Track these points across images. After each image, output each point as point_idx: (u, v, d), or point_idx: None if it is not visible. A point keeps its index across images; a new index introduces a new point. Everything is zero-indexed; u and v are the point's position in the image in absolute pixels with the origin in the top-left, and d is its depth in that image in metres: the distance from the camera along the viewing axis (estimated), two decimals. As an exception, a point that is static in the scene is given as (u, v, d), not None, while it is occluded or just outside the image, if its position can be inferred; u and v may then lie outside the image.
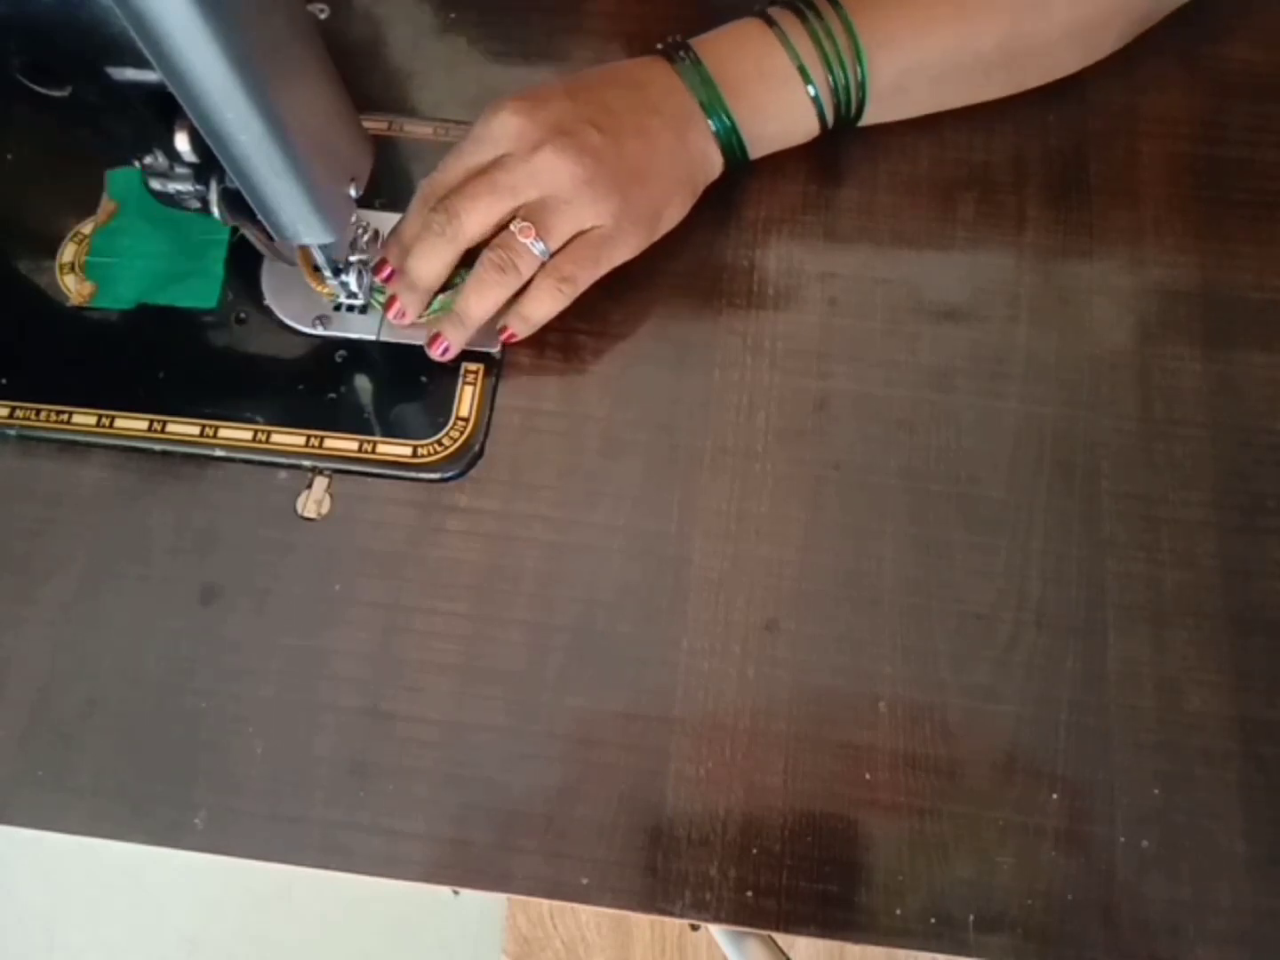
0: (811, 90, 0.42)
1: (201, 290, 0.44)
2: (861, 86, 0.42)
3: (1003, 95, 0.46)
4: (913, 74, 0.43)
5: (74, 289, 0.44)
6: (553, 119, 0.38)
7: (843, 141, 0.47)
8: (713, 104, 0.41)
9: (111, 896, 1.10)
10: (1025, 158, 0.46)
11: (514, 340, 0.42)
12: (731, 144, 0.42)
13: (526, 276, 0.40)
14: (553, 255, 0.40)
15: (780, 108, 0.42)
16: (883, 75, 0.42)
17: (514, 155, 0.38)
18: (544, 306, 0.41)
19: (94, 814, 0.37)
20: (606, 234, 0.40)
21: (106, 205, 0.46)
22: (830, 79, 0.41)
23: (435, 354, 0.41)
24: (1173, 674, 0.38)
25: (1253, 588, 0.39)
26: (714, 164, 0.43)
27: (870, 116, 0.44)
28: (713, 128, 0.42)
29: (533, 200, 0.39)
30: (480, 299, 0.40)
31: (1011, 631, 0.39)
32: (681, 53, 0.42)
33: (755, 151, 0.44)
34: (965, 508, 0.40)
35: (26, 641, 0.40)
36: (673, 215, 0.43)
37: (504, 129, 0.38)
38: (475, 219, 0.39)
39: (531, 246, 0.39)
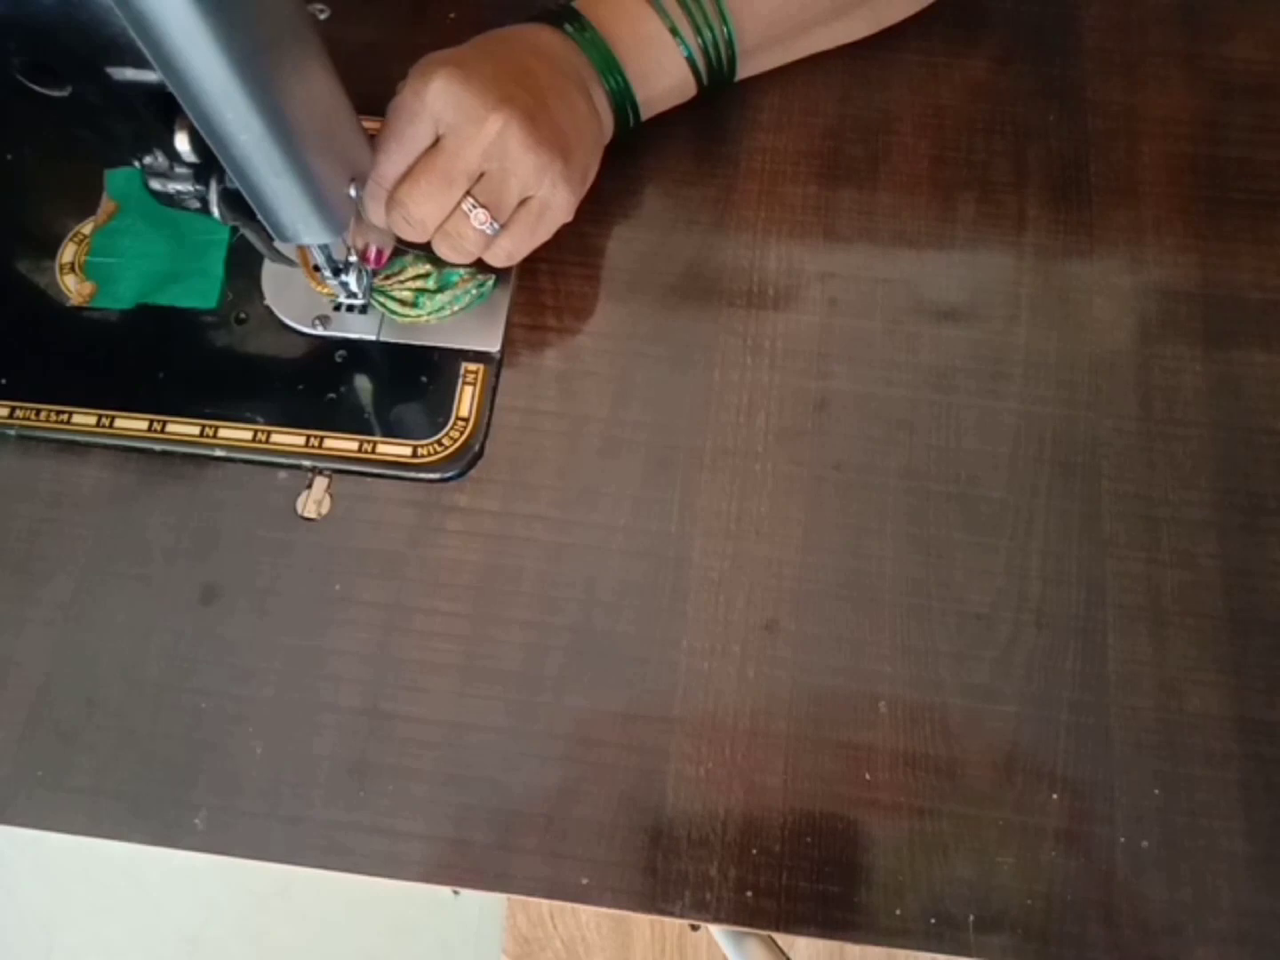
0: (685, 51, 0.43)
1: (201, 290, 0.44)
2: (730, 44, 0.43)
3: (870, 33, 0.48)
4: (777, 26, 0.45)
5: (74, 289, 0.44)
6: (487, 86, 0.36)
7: (842, 141, 0.47)
8: (607, 65, 0.41)
9: (111, 896, 1.10)
10: (1025, 158, 0.46)
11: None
12: (625, 105, 0.43)
13: (479, 254, 0.40)
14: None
15: (661, 68, 0.43)
16: (748, 32, 0.43)
17: (459, 134, 0.36)
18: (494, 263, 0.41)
19: (94, 814, 0.37)
20: (544, 201, 0.39)
21: (106, 205, 0.46)
22: (700, 39, 0.42)
23: (370, 261, 0.41)
24: (1173, 674, 0.38)
25: (1253, 588, 0.39)
26: (609, 127, 0.44)
27: (744, 71, 0.46)
28: (608, 89, 0.42)
29: (481, 177, 0.38)
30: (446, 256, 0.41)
31: (1011, 631, 0.39)
32: (569, 20, 0.41)
33: (644, 113, 0.44)
34: (965, 508, 0.40)
35: (26, 641, 0.40)
36: (592, 176, 0.43)
37: (443, 103, 0.36)
38: (434, 212, 0.38)
39: (486, 229, 0.38)
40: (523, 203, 0.39)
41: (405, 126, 0.36)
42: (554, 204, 0.39)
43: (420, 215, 0.37)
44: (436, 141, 0.37)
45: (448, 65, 0.36)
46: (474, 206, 0.38)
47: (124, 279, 0.45)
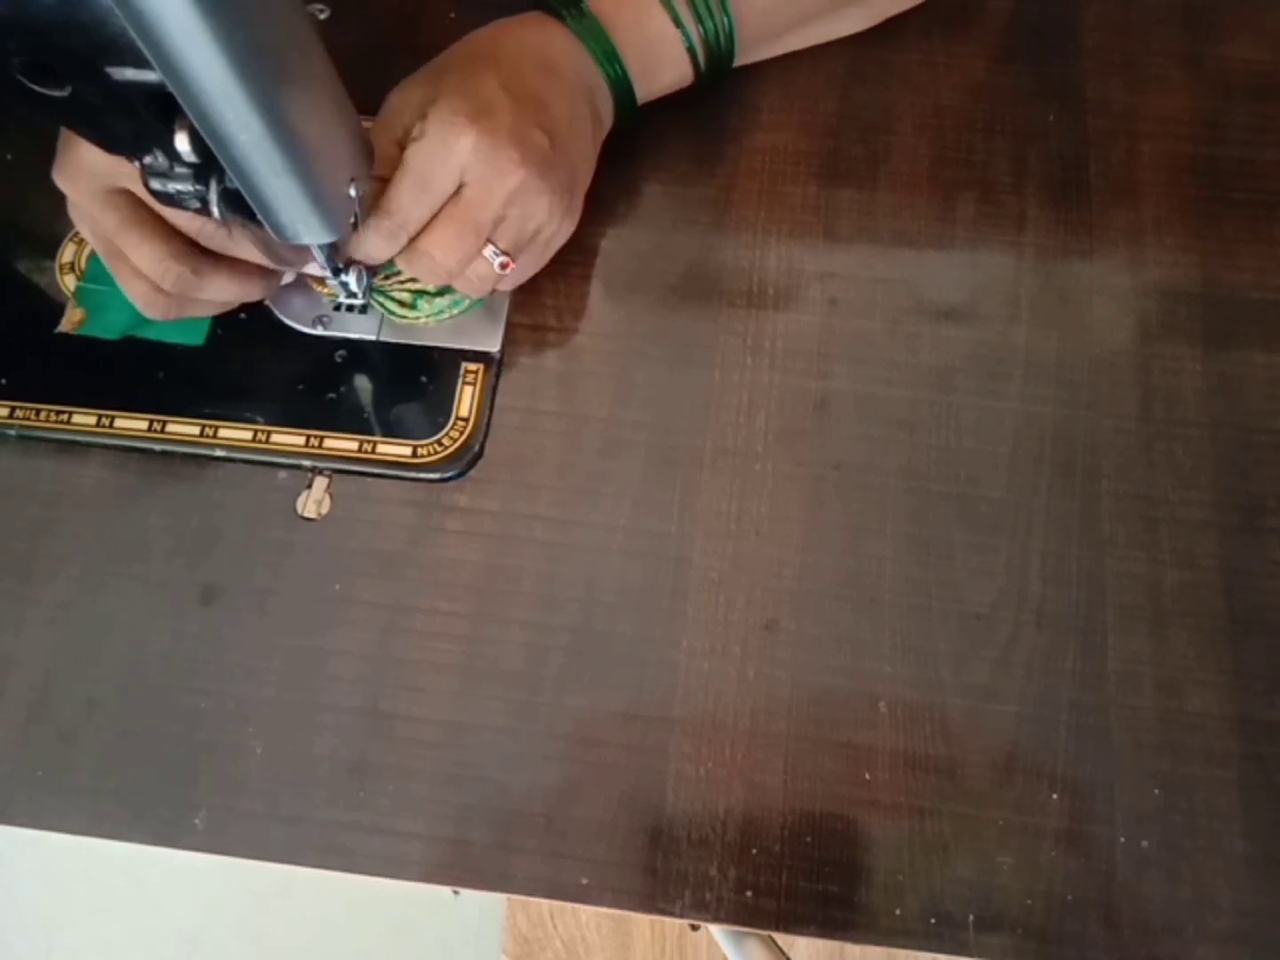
0: (687, 41, 0.43)
1: (190, 327, 0.44)
2: (730, 36, 0.44)
3: (867, 28, 0.49)
4: (775, 18, 0.45)
5: (65, 314, 0.44)
6: (511, 140, 0.37)
7: (842, 141, 0.47)
8: (606, 55, 0.42)
9: (111, 896, 1.10)
10: (1025, 158, 0.46)
11: None
12: (624, 97, 0.43)
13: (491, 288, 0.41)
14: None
15: (663, 63, 0.44)
16: (746, 24, 0.44)
17: (484, 186, 0.37)
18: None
19: (94, 814, 0.37)
20: (554, 232, 0.41)
21: None
22: (702, 29, 0.43)
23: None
24: (1173, 674, 0.38)
25: (1253, 588, 0.39)
26: (609, 123, 0.44)
27: (740, 61, 0.46)
28: (608, 77, 0.42)
29: (504, 220, 0.39)
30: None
31: (1011, 631, 0.39)
32: (569, 9, 0.42)
33: (641, 100, 0.45)
34: (965, 508, 0.40)
35: (26, 641, 0.40)
36: (589, 180, 0.44)
37: (471, 159, 0.37)
38: (461, 260, 0.38)
39: (506, 275, 0.40)
40: (531, 239, 0.40)
41: (433, 176, 0.37)
42: (561, 233, 0.41)
43: (448, 264, 0.38)
44: (458, 189, 0.38)
45: (478, 123, 0.37)
46: (497, 254, 0.39)
47: (114, 308, 0.44)
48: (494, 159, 0.37)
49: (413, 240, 0.38)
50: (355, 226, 0.37)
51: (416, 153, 0.37)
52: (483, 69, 0.39)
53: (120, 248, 0.38)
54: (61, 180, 0.38)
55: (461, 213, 0.37)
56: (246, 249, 0.39)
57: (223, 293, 0.40)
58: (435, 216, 0.38)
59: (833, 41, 0.48)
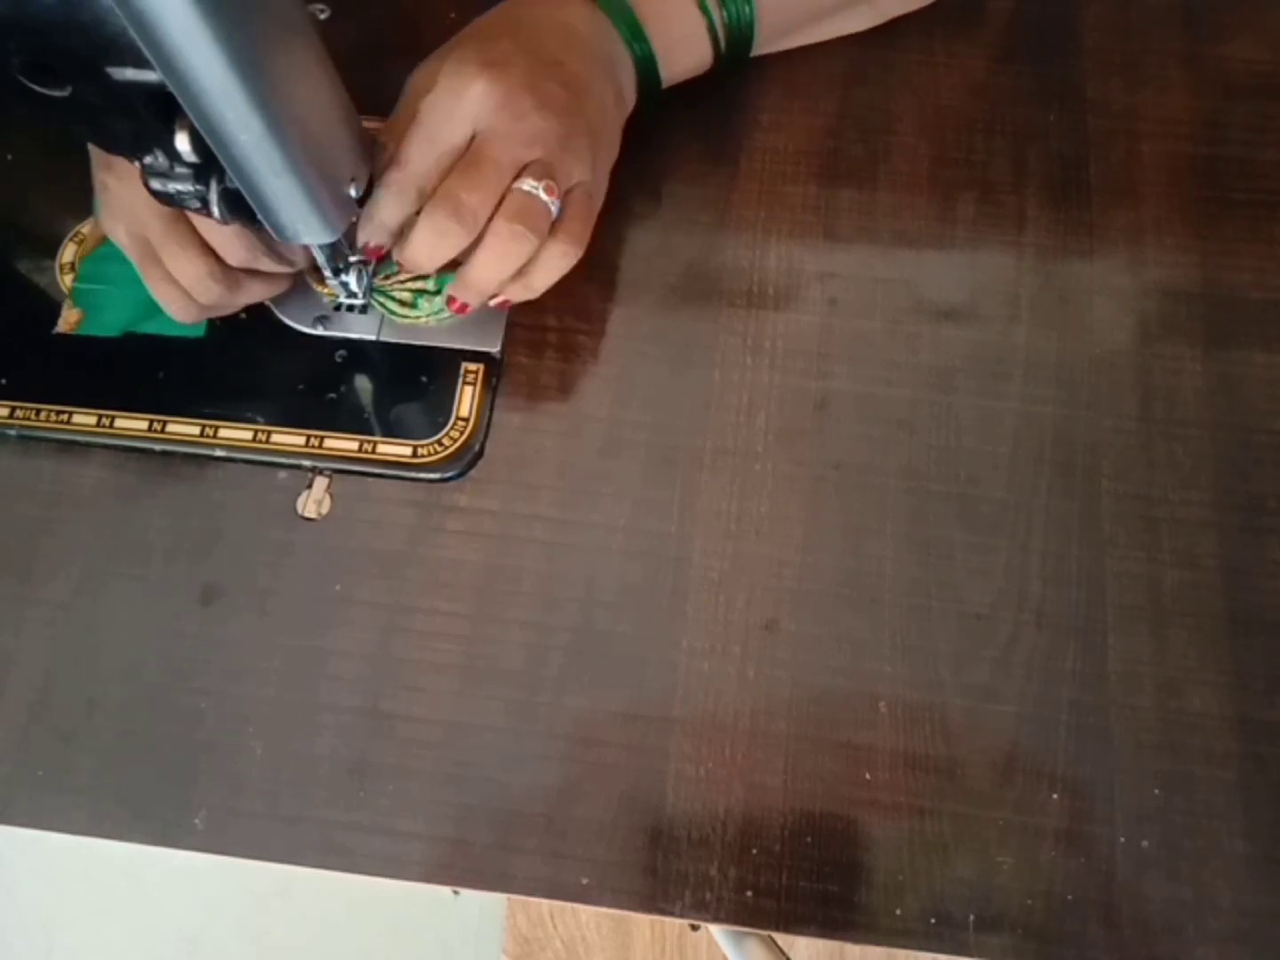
0: (708, 21, 0.43)
1: None
2: (750, 24, 0.44)
3: (871, 26, 0.49)
4: (792, 12, 0.46)
5: (61, 315, 0.44)
6: (524, 80, 0.37)
7: (842, 141, 0.47)
8: (633, 34, 0.42)
9: (111, 896, 1.10)
10: (1025, 158, 0.46)
11: (507, 307, 0.42)
12: (649, 74, 0.44)
13: (544, 237, 0.38)
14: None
15: (686, 43, 0.44)
16: (766, 11, 0.45)
17: (498, 131, 0.36)
18: (554, 274, 0.40)
19: (94, 814, 0.37)
20: (588, 188, 0.40)
21: (95, 231, 0.46)
22: (725, 12, 0.44)
23: (454, 309, 0.40)
24: (1173, 674, 0.38)
25: (1253, 588, 0.39)
26: (631, 103, 0.44)
27: (755, 50, 0.47)
28: (634, 57, 0.42)
29: (531, 163, 0.37)
30: (503, 265, 0.38)
31: (1011, 631, 0.39)
32: None
33: (665, 84, 0.45)
34: (965, 508, 0.40)
35: (26, 641, 0.40)
36: (614, 159, 0.43)
37: (480, 107, 0.36)
38: (486, 199, 0.37)
39: (551, 206, 0.38)
40: (569, 193, 0.39)
41: (442, 125, 0.36)
42: (593, 193, 0.40)
43: (472, 203, 0.36)
44: (470, 140, 0.37)
45: (488, 71, 0.36)
46: (536, 186, 0.37)
47: (111, 307, 0.44)
48: (507, 103, 0.36)
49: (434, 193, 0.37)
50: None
51: (426, 105, 0.36)
52: (499, 34, 0.39)
53: (159, 253, 0.38)
54: (113, 178, 0.38)
55: (478, 153, 0.36)
56: (268, 264, 0.39)
57: (254, 298, 0.42)
58: (453, 167, 0.37)
59: (833, 41, 0.49)
